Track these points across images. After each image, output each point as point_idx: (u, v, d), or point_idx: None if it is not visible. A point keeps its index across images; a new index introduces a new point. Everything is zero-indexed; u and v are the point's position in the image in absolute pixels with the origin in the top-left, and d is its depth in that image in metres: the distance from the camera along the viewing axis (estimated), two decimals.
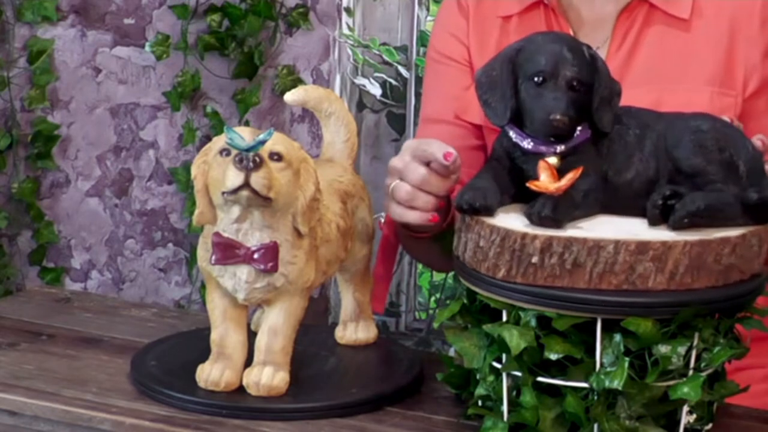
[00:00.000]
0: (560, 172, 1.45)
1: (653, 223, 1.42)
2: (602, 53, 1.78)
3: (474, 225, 1.45)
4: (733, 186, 1.44)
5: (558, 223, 1.41)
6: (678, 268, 1.37)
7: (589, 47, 1.50)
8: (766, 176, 1.47)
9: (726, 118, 1.52)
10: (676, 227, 1.40)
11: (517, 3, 1.85)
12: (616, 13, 1.81)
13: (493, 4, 1.88)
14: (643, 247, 1.37)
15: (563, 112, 1.45)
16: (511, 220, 1.44)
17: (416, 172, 1.56)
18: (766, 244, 1.45)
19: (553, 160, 1.46)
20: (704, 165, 1.45)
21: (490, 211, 1.46)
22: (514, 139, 1.50)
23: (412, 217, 1.58)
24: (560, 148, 1.48)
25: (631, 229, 1.42)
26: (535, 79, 1.48)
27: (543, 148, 1.48)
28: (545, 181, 1.44)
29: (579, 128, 1.49)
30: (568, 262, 1.38)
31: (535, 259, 1.39)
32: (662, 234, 1.40)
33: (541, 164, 1.45)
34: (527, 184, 1.44)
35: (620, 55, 1.78)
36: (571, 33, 1.81)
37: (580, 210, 1.45)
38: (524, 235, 1.39)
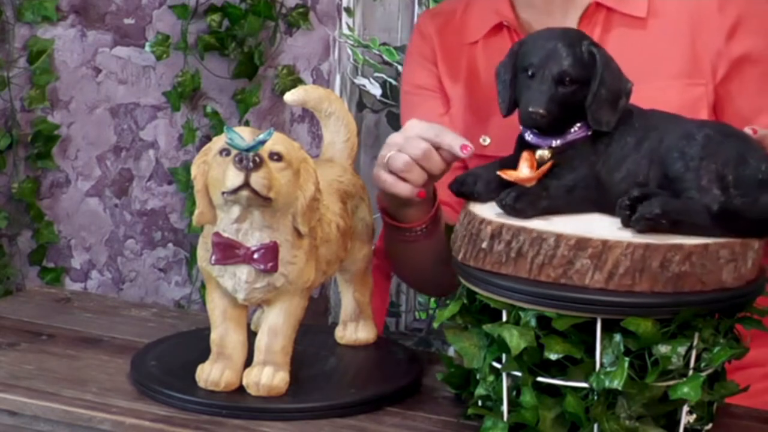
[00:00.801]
0: (555, 165, 1.48)
1: (624, 224, 1.43)
2: None
3: (461, 209, 1.51)
4: (713, 196, 1.42)
5: (519, 213, 1.44)
6: (618, 269, 1.37)
7: (593, 44, 1.51)
8: (758, 199, 1.43)
9: (748, 130, 1.51)
10: (635, 229, 1.40)
11: (479, 29, 1.87)
12: (575, 23, 1.82)
13: (456, 32, 1.91)
14: (582, 243, 1.37)
15: (542, 106, 1.48)
16: (488, 207, 1.48)
17: (418, 146, 1.59)
18: (746, 258, 1.41)
19: (545, 153, 1.49)
20: (683, 172, 1.44)
21: (474, 197, 1.51)
22: (521, 131, 1.52)
23: (402, 188, 1.61)
24: (555, 142, 1.50)
25: (599, 228, 1.41)
26: (528, 72, 1.50)
27: (540, 141, 1.51)
28: (519, 171, 1.48)
29: (578, 124, 1.50)
30: (513, 251, 1.40)
31: (484, 244, 1.43)
32: (608, 233, 1.39)
33: (524, 155, 1.50)
34: (497, 173, 1.49)
35: None
36: None
37: (556, 203, 1.47)
38: (482, 221, 1.44)
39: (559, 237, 1.38)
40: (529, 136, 1.51)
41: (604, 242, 1.37)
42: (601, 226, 1.42)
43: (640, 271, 1.37)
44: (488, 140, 1.84)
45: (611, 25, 1.80)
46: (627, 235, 1.39)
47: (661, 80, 1.77)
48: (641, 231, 1.39)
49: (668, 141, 1.47)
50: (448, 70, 1.90)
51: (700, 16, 1.80)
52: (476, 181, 1.51)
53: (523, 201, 1.44)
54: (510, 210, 1.44)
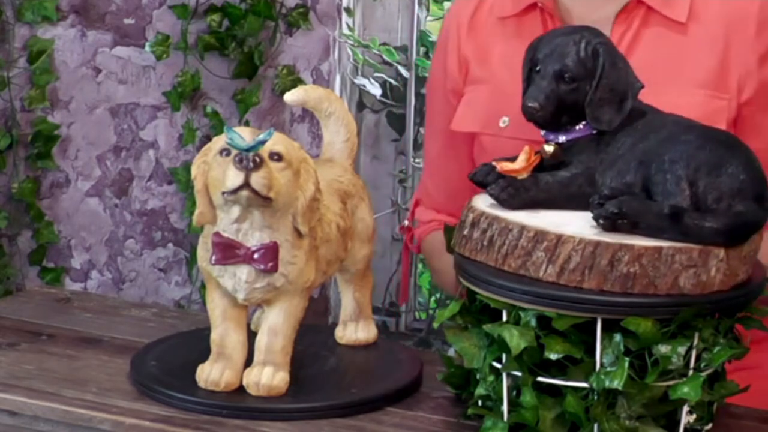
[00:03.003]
0: (561, 162, 1.51)
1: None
2: None
3: None
4: (676, 200, 1.41)
5: (502, 203, 1.47)
6: (569, 264, 1.38)
7: (602, 43, 1.51)
8: (731, 207, 1.41)
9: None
10: (599, 226, 1.41)
11: (513, 6, 1.87)
12: (613, 15, 1.82)
13: (490, 8, 1.90)
14: (540, 236, 1.39)
15: (538, 100, 1.50)
16: (488, 198, 1.50)
17: None
18: (708, 266, 1.39)
19: (549, 149, 1.52)
20: (653, 174, 1.44)
21: (483, 187, 1.53)
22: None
23: None
24: (561, 138, 1.52)
25: (577, 224, 1.42)
26: (537, 68, 1.52)
27: (548, 136, 1.53)
28: (514, 163, 1.51)
29: (584, 122, 1.51)
30: (486, 239, 1.43)
31: (466, 231, 1.47)
32: (572, 228, 1.40)
33: (525, 148, 1.52)
34: (492, 162, 1.52)
35: None
36: None
37: (547, 196, 1.48)
38: (469, 208, 1.48)
39: (522, 228, 1.40)
40: (542, 131, 1.53)
41: (559, 237, 1.38)
42: (575, 222, 1.43)
43: (589, 268, 1.37)
44: (507, 121, 1.83)
45: (649, 24, 1.80)
46: (584, 232, 1.39)
47: (686, 87, 1.77)
48: (604, 229, 1.40)
49: (653, 143, 1.47)
50: (475, 49, 1.89)
51: (737, 34, 1.79)
52: (490, 171, 1.53)
53: (507, 192, 1.47)
54: (494, 199, 1.48)
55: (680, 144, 1.44)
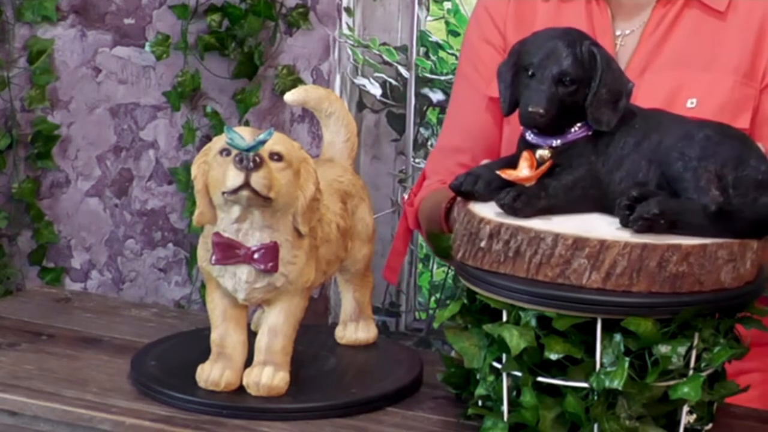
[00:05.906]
0: (557, 165, 1.49)
1: (623, 223, 1.43)
2: (635, 37, 1.84)
3: (461, 208, 1.50)
4: (711, 196, 1.42)
5: (517, 212, 1.44)
6: (615, 268, 1.37)
7: (593, 44, 1.51)
8: (756, 200, 1.43)
9: (761, 146, 1.51)
10: (633, 229, 1.40)
11: None
12: (654, 0, 1.84)
13: None
14: (580, 243, 1.37)
15: (541, 105, 1.48)
16: (488, 207, 1.47)
17: None
18: (745, 259, 1.41)
19: (545, 153, 1.50)
20: (681, 172, 1.44)
21: (473, 196, 1.50)
22: (523, 131, 1.53)
23: None
24: (555, 142, 1.50)
25: (598, 227, 1.41)
26: (528, 71, 1.50)
27: (541, 141, 1.51)
28: (518, 171, 1.48)
29: (579, 124, 1.50)
30: (511, 250, 1.40)
31: (483, 244, 1.43)
32: (606, 233, 1.39)
33: (524, 154, 1.50)
34: (497, 172, 1.49)
35: (653, 40, 1.83)
36: (610, 18, 1.85)
37: (555, 202, 1.47)
38: (480, 220, 1.43)
39: (557, 236, 1.38)
40: (530, 136, 1.51)
41: (602, 242, 1.37)
42: (600, 226, 1.42)
43: (637, 271, 1.37)
44: None
45: (689, 6, 1.83)
46: (625, 235, 1.39)
47: (718, 71, 1.80)
48: (639, 231, 1.39)
49: (668, 141, 1.47)
50: (517, 25, 1.90)
51: None
52: (476, 180, 1.51)
53: (521, 200, 1.45)
54: (508, 209, 1.44)
55: (701, 140, 1.45)
